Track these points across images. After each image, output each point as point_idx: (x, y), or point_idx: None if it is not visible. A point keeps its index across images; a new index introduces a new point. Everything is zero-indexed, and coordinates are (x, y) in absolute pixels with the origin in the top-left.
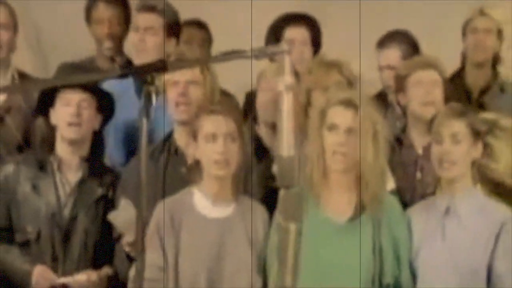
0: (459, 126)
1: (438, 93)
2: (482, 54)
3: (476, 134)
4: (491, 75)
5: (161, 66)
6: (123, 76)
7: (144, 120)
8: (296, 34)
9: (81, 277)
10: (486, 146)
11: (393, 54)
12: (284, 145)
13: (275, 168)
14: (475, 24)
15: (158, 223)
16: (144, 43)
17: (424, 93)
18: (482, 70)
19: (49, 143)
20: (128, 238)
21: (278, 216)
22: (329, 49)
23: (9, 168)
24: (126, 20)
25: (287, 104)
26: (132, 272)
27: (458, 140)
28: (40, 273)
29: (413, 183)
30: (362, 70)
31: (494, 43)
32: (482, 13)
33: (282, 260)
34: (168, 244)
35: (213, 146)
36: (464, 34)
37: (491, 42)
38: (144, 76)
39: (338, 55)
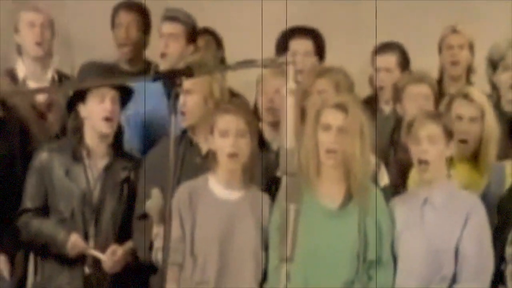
0: (434, 128)
1: (429, 106)
2: (458, 68)
3: (449, 135)
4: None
5: (189, 72)
6: (156, 79)
7: (173, 116)
8: (300, 46)
9: (108, 255)
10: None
11: (390, 58)
12: (287, 139)
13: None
14: (449, 41)
15: (178, 203)
16: (167, 48)
17: (417, 106)
18: (459, 82)
19: (79, 134)
20: (157, 229)
21: (280, 199)
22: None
23: (44, 155)
24: (145, 27)
25: (289, 105)
26: (157, 243)
27: (433, 141)
28: (75, 239)
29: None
30: (356, 75)
31: (468, 57)
32: (454, 30)
33: (283, 235)
34: (186, 219)
35: (225, 140)
36: (440, 51)
37: (465, 57)
38: (174, 79)
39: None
